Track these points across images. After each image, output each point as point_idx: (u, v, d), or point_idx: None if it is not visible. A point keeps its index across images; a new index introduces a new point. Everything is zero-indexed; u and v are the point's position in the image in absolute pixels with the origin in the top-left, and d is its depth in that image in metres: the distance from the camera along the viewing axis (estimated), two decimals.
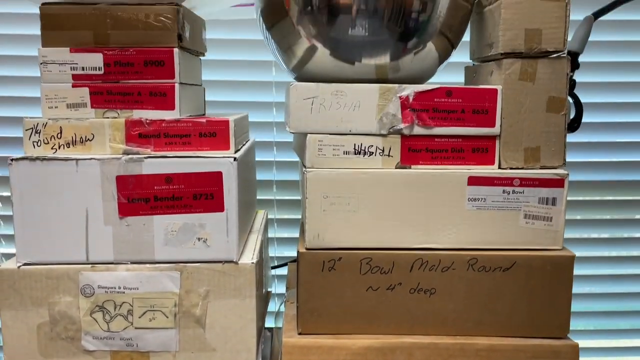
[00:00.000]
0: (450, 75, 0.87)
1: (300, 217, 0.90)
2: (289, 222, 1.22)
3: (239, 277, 0.68)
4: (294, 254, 1.00)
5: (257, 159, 1.01)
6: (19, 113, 1.12)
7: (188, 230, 0.67)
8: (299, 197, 1.05)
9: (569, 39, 0.71)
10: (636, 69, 1.18)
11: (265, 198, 1.20)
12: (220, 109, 1.14)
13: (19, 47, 1.12)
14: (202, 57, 0.87)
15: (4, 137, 1.15)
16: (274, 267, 1.11)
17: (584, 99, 0.80)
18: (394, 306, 0.72)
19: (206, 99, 0.91)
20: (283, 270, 1.14)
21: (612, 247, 1.24)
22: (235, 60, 1.16)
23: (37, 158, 0.65)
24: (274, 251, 1.22)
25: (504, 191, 0.71)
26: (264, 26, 0.77)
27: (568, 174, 0.71)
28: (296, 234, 1.18)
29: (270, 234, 1.19)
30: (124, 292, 0.67)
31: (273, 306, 1.14)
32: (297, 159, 1.14)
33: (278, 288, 1.22)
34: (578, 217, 1.21)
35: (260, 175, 1.13)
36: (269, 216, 1.16)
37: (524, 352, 0.70)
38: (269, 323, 0.93)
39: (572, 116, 0.80)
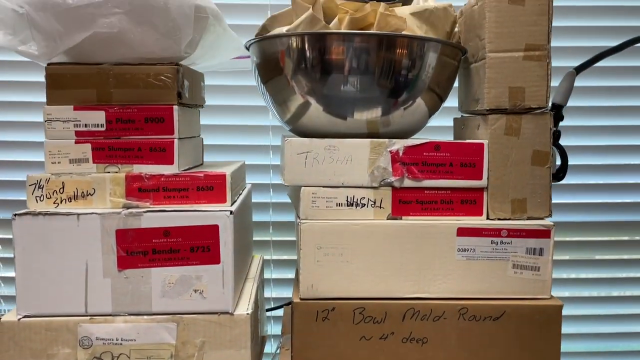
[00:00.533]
0: (440, 120, 0.91)
1: (296, 257, 0.91)
2: (285, 262, 1.23)
3: (234, 328, 0.69)
4: (289, 295, 1.01)
5: (253, 200, 1.03)
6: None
7: (185, 282, 0.69)
8: (295, 238, 1.06)
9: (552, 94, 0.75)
10: (622, 112, 1.21)
11: (261, 239, 1.21)
12: (218, 154, 1.17)
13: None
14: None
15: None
16: (269, 310, 1.12)
17: (573, 141, 0.83)
18: (387, 356, 0.73)
19: (205, 143, 0.93)
20: (279, 311, 1.16)
21: (601, 287, 1.26)
22: (233, 106, 1.19)
23: (39, 213, 0.67)
24: (270, 292, 1.23)
25: (492, 242, 0.73)
26: (260, 80, 0.80)
27: (554, 225, 0.73)
28: (292, 275, 1.19)
29: (267, 275, 1.20)
30: (121, 344, 0.68)
31: (269, 348, 1.15)
32: (291, 219, 1.16)
33: (274, 328, 1.23)
34: (567, 258, 1.24)
35: (256, 217, 1.16)
36: (265, 257, 1.18)
37: None
38: None
39: (557, 165, 0.83)
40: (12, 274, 1.20)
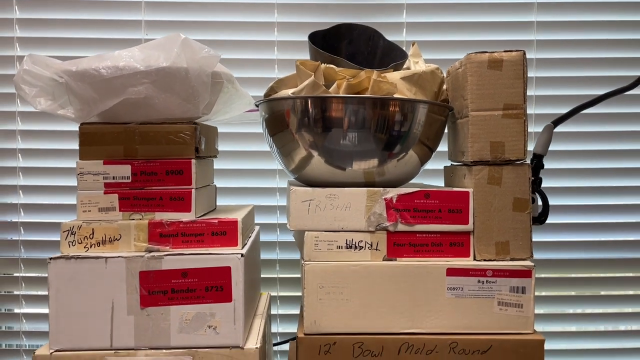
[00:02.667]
0: (434, 164, 0.99)
1: (301, 294, 0.98)
2: (291, 299, 1.30)
3: None
4: (294, 329, 1.08)
5: (261, 239, 1.11)
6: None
7: (200, 318, 0.76)
8: (300, 275, 1.14)
9: (532, 147, 0.83)
10: (602, 154, 1.30)
11: (268, 276, 1.29)
12: (230, 197, 1.25)
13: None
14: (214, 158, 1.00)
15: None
16: (276, 344, 1.18)
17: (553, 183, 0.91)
18: None
19: (217, 186, 1.02)
20: (285, 346, 1.22)
21: (580, 322, 1.32)
22: (243, 151, 1.29)
23: (72, 257, 0.76)
24: (276, 327, 1.30)
25: (479, 281, 0.80)
26: (267, 133, 0.89)
27: (534, 266, 0.80)
28: (297, 310, 1.26)
29: (273, 311, 1.27)
30: None
31: None
32: (297, 257, 1.24)
33: None
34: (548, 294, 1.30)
35: (264, 255, 1.23)
36: (272, 293, 1.24)
37: None
38: None
39: (540, 208, 0.91)
40: (33, 310, 1.29)
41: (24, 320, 1.31)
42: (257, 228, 1.01)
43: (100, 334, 0.76)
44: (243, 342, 0.77)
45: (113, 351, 0.76)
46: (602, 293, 1.34)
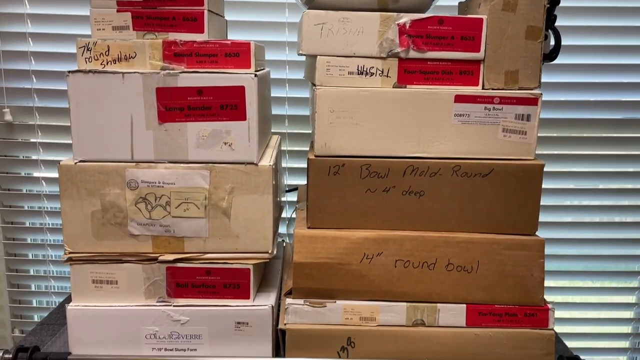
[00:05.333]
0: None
1: (309, 131, 1.02)
2: (299, 136, 1.36)
3: (258, 177, 0.81)
4: (304, 165, 1.12)
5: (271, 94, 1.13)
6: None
7: (216, 135, 0.80)
8: (309, 131, 1.16)
9: None
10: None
11: (277, 131, 1.32)
12: (239, 32, 1.26)
13: None
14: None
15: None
16: (288, 191, 1.24)
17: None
18: (389, 205, 0.84)
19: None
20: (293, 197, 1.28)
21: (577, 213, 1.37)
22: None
23: (89, 71, 0.77)
24: (285, 163, 1.36)
25: (485, 108, 0.82)
26: None
27: (542, 94, 0.82)
28: (306, 147, 1.30)
29: (283, 148, 1.33)
30: (162, 187, 0.80)
31: (285, 213, 1.27)
32: (306, 95, 1.26)
33: (288, 213, 1.36)
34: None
35: (273, 93, 1.26)
36: (282, 130, 1.30)
37: (498, 245, 0.83)
38: (282, 229, 1.07)
39: (552, 46, 0.90)
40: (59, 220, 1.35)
41: (49, 234, 1.38)
42: (267, 69, 1.02)
43: (121, 147, 0.79)
44: (257, 159, 0.81)
45: (134, 163, 0.80)
46: (601, 186, 1.39)
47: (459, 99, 0.82)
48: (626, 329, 1.49)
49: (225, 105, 0.79)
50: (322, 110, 0.82)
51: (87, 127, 0.79)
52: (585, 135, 1.36)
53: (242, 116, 0.79)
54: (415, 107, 0.82)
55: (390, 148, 0.83)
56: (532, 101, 0.82)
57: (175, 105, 0.79)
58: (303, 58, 1.22)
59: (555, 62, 0.87)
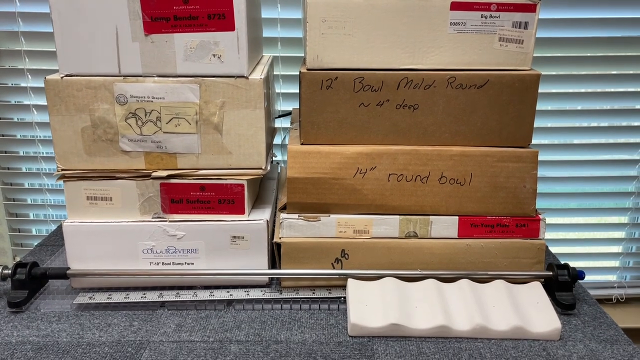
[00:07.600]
0: None
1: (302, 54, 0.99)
2: (292, 60, 1.33)
3: (249, 91, 0.79)
4: (296, 89, 1.11)
5: (263, 16, 1.09)
6: None
7: (204, 47, 0.77)
8: (302, 54, 1.13)
9: None
10: None
11: (270, 36, 1.30)
12: None
13: None
14: None
15: None
16: (281, 116, 1.22)
17: None
18: (382, 120, 0.83)
19: None
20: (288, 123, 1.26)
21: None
22: None
23: None
24: (279, 88, 1.35)
25: (482, 15, 0.79)
26: None
27: (540, 1, 0.79)
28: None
29: (276, 71, 1.30)
30: (152, 101, 0.79)
31: (278, 139, 1.27)
32: (299, 16, 1.21)
33: (284, 141, 1.35)
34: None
35: (265, 33, 1.22)
36: (274, 53, 1.27)
37: (491, 157, 0.83)
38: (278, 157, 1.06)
39: None
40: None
41: (40, 146, 1.35)
42: None
43: (108, 60, 0.77)
44: (248, 72, 0.79)
45: (122, 77, 0.78)
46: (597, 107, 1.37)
47: (455, 6, 0.79)
48: (617, 248, 1.53)
49: (213, 14, 0.76)
50: (314, 21, 0.79)
51: (71, 41, 0.76)
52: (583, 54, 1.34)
53: (230, 26, 0.77)
54: (410, 15, 0.79)
55: (385, 60, 0.81)
56: (531, 7, 0.79)
57: (161, 15, 0.76)
58: None
59: None
